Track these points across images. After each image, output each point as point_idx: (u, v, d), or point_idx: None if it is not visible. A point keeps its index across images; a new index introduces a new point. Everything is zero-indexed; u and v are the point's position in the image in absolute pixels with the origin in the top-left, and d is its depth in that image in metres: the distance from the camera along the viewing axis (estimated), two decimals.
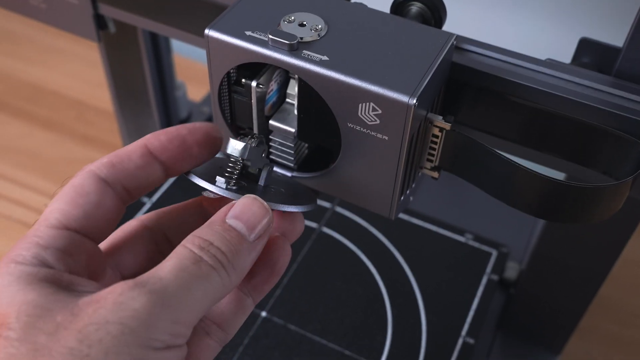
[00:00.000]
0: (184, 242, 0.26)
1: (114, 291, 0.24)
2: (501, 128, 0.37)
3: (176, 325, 0.24)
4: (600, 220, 0.34)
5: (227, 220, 0.27)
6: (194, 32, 0.44)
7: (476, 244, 0.55)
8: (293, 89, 0.35)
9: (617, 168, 0.34)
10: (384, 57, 0.31)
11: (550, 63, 0.36)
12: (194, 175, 0.30)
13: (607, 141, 0.34)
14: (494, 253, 0.55)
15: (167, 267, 0.25)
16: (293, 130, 0.35)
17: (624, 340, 0.62)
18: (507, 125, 0.36)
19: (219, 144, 0.31)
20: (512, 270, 0.56)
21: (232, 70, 0.34)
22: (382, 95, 0.30)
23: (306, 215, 0.56)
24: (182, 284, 0.24)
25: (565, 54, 0.40)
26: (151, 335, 0.23)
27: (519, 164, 0.32)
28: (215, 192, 0.30)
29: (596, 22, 0.61)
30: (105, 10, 0.46)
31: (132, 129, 0.61)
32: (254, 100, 0.34)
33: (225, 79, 0.34)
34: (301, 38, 0.31)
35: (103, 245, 0.30)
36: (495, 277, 0.53)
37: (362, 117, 0.31)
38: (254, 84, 0.34)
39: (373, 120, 0.31)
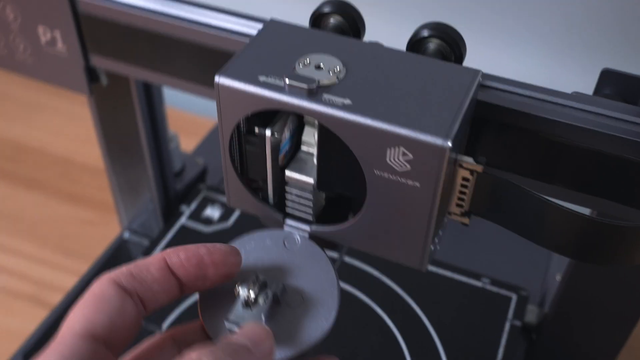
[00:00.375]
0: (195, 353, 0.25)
1: None
2: (530, 167, 0.34)
3: None
4: None
5: (232, 339, 0.27)
6: (192, 80, 0.42)
7: (494, 289, 0.52)
8: (309, 136, 0.33)
9: None
10: (410, 98, 0.29)
11: (578, 96, 0.34)
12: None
13: None
14: (514, 297, 0.52)
15: None
16: (311, 180, 0.32)
17: None
18: (536, 164, 0.34)
19: (237, 266, 0.30)
20: (531, 314, 0.53)
21: (245, 120, 0.32)
22: (414, 139, 0.27)
23: None
24: None
25: (583, 87, 0.38)
26: None
27: (560, 204, 0.29)
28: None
29: (614, 52, 0.60)
30: (97, 61, 0.43)
31: (124, 185, 0.58)
32: (268, 151, 0.32)
33: (240, 129, 0.32)
34: (319, 81, 0.29)
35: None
36: (517, 323, 0.50)
37: (390, 163, 0.29)
38: (268, 132, 0.31)
39: (403, 166, 0.29)
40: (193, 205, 0.58)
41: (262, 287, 0.30)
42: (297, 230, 0.34)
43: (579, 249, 0.31)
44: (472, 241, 0.60)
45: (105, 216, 0.72)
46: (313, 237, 0.34)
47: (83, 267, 0.62)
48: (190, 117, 0.82)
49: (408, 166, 0.28)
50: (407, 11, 0.64)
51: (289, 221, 0.34)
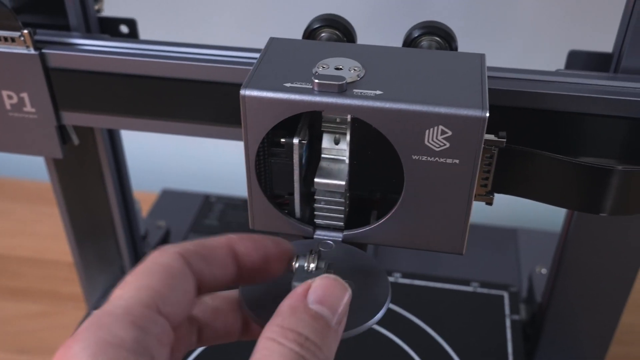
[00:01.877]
0: (275, 336, 0.24)
1: None
2: (534, 141, 0.36)
3: None
4: None
5: (311, 307, 0.25)
6: (166, 117, 0.41)
7: (485, 290, 0.54)
8: (329, 142, 0.33)
9: None
10: (434, 82, 0.30)
11: (562, 72, 0.37)
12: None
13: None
14: (506, 295, 0.53)
15: None
16: (343, 183, 0.33)
17: (634, 357, 0.62)
18: (539, 137, 0.36)
19: (289, 261, 0.29)
20: (522, 311, 0.54)
21: (267, 134, 0.31)
22: (453, 115, 0.29)
23: None
24: None
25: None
26: None
27: (582, 161, 0.31)
28: None
29: (574, 35, 0.65)
30: (70, 118, 0.41)
31: (91, 258, 0.55)
32: (296, 160, 0.32)
33: (261, 146, 0.32)
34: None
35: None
36: (516, 317, 0.51)
37: (429, 144, 0.30)
38: (296, 140, 0.31)
39: (442, 145, 0.29)
40: None
41: (319, 257, 0.29)
42: (329, 238, 0.34)
43: (600, 201, 0.33)
44: (441, 254, 0.61)
45: (57, 305, 0.67)
46: (345, 242, 0.34)
47: None
48: None
49: (447, 144, 0.29)
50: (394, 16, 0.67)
51: (319, 232, 0.34)
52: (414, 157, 0.30)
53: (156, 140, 0.77)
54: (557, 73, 0.37)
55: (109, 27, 0.44)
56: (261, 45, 0.34)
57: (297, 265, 0.29)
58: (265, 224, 0.34)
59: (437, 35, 0.35)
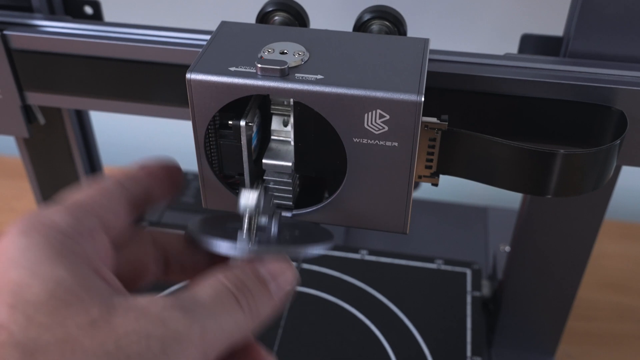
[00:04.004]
0: (220, 275, 0.26)
1: (156, 304, 0.23)
2: (480, 125, 0.37)
3: (203, 356, 0.23)
4: (599, 187, 0.35)
5: (261, 272, 0.28)
6: (132, 98, 0.41)
7: (449, 267, 0.55)
8: (278, 124, 0.34)
9: (600, 139, 0.36)
10: (375, 67, 0.31)
11: (510, 56, 0.38)
12: (209, 239, 0.29)
13: (586, 115, 0.35)
14: (468, 272, 0.55)
15: (206, 296, 0.25)
16: (290, 164, 0.34)
17: (593, 333, 0.63)
18: (486, 122, 0.37)
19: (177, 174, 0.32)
20: (485, 288, 0.56)
21: (216, 116, 0.32)
22: (389, 99, 0.30)
23: None
24: (218, 318, 0.24)
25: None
26: (187, 357, 0.23)
27: (523, 145, 0.32)
28: (237, 254, 0.29)
29: (527, 19, 0.66)
30: (34, 98, 0.42)
31: None
32: (243, 141, 0.33)
33: (210, 127, 0.33)
34: (289, 63, 0.31)
35: None
36: (477, 294, 0.53)
37: (368, 127, 0.31)
38: (242, 123, 0.32)
39: (381, 128, 0.30)
40: None
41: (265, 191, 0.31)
42: None
43: (538, 183, 0.34)
44: (413, 231, 0.63)
45: None
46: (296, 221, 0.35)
47: None
48: (107, 169, 0.80)
49: (386, 127, 0.30)
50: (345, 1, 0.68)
51: None
52: (354, 139, 0.31)
53: (135, 117, 0.78)
54: (505, 57, 0.37)
55: (73, 8, 0.45)
56: None
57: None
58: (216, 203, 0.35)
59: (386, 19, 0.36)
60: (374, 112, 0.30)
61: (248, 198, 0.29)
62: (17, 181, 0.80)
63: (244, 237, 0.29)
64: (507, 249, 0.56)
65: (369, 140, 0.31)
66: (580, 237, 0.47)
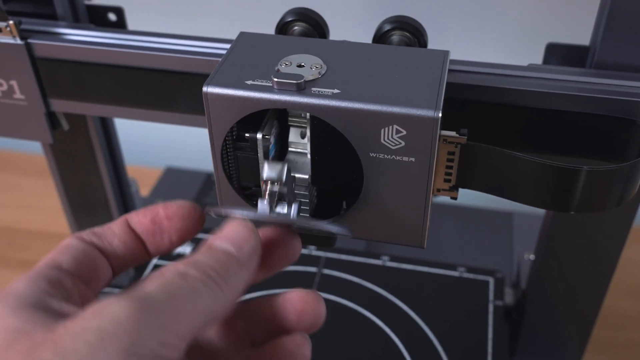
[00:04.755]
0: (170, 264, 0.26)
1: (94, 304, 0.22)
2: (502, 137, 0.37)
3: (165, 333, 0.22)
4: (622, 203, 0.34)
5: (213, 243, 0.27)
6: (155, 107, 0.42)
7: (471, 275, 0.54)
8: (295, 136, 0.34)
9: (625, 153, 0.35)
10: (393, 81, 0.31)
11: (534, 67, 0.37)
12: (230, 209, 0.29)
13: (610, 128, 0.35)
14: (491, 280, 0.54)
15: (151, 281, 0.24)
16: (306, 176, 0.33)
17: (619, 342, 0.62)
18: (507, 133, 0.37)
19: (198, 221, 0.30)
20: (508, 296, 0.55)
21: (233, 128, 0.32)
22: (406, 115, 0.29)
23: (296, 283, 0.53)
24: (168, 294, 0.23)
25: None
26: (136, 341, 0.21)
27: (543, 160, 0.32)
28: (259, 217, 0.28)
29: (553, 29, 0.65)
30: (58, 105, 0.43)
31: None
32: (260, 154, 0.33)
33: (228, 139, 0.33)
34: (305, 77, 0.31)
35: None
36: (500, 303, 0.52)
37: (385, 143, 0.30)
38: (259, 135, 0.32)
39: (397, 143, 0.30)
40: None
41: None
42: None
43: (559, 199, 0.33)
44: (438, 238, 0.62)
45: None
46: (310, 234, 0.35)
47: None
48: (134, 168, 0.81)
49: (402, 142, 0.30)
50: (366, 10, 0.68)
51: None
52: (371, 154, 0.31)
53: None
54: (528, 68, 0.37)
55: (97, 15, 0.45)
56: None
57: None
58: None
59: (406, 30, 0.35)
60: (390, 127, 0.30)
61: (272, 167, 0.29)
62: (46, 180, 0.81)
63: (265, 204, 0.29)
64: (532, 257, 0.56)
65: (385, 155, 0.31)
66: (607, 246, 0.45)
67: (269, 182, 0.29)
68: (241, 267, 0.27)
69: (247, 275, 0.27)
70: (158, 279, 0.24)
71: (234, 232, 0.27)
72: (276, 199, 0.29)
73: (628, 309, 0.65)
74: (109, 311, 0.22)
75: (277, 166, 0.29)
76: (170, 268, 0.25)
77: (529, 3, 0.67)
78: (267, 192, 0.29)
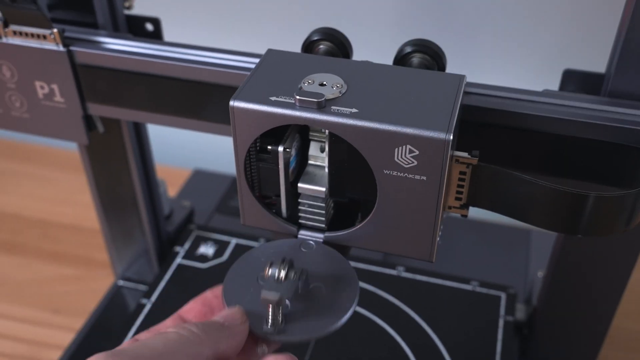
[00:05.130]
0: None
1: None
2: (514, 160, 0.38)
3: None
4: (624, 230, 0.35)
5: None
6: (187, 115, 0.44)
7: (484, 290, 0.56)
8: (315, 150, 0.36)
9: (634, 180, 0.36)
10: (409, 102, 0.32)
11: (548, 92, 0.38)
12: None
13: (619, 155, 0.36)
14: (503, 296, 0.55)
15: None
16: (323, 189, 0.35)
17: None
18: (519, 156, 0.38)
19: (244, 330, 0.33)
20: (520, 312, 0.56)
21: (257, 140, 0.34)
22: (419, 136, 0.31)
23: None
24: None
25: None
26: None
27: (548, 184, 0.33)
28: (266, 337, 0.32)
29: (571, 55, 0.66)
30: (95, 109, 0.45)
31: (117, 233, 0.59)
32: (281, 166, 0.35)
33: (252, 150, 0.35)
34: (326, 96, 0.32)
35: None
36: (510, 319, 0.53)
37: (398, 161, 0.32)
38: (280, 148, 0.34)
39: (410, 162, 0.32)
40: (186, 245, 0.60)
41: (290, 267, 0.33)
42: (311, 238, 0.37)
43: (567, 223, 0.34)
44: (455, 251, 0.63)
45: (91, 271, 0.72)
46: (326, 243, 0.37)
47: (75, 322, 0.63)
48: (164, 168, 0.84)
49: (415, 162, 0.32)
50: (389, 32, 0.70)
51: (302, 232, 0.37)
52: (385, 171, 0.32)
53: None
54: (543, 93, 0.38)
55: (136, 25, 0.48)
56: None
57: (269, 273, 0.32)
58: (254, 220, 0.37)
59: (426, 53, 0.37)
60: (404, 147, 0.31)
61: (268, 297, 0.31)
62: (82, 175, 0.84)
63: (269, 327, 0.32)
64: (541, 274, 0.57)
65: (398, 173, 0.32)
66: (617, 267, 0.46)
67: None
68: (222, 330, 0.31)
69: (228, 339, 0.31)
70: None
71: (228, 313, 0.33)
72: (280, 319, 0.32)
73: (637, 331, 0.66)
74: None
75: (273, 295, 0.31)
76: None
77: (549, 30, 0.68)
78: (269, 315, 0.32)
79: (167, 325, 0.34)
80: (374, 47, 0.50)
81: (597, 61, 0.43)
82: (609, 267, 0.47)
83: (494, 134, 0.37)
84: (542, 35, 0.68)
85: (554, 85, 0.42)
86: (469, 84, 0.38)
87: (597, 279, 0.48)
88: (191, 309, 0.35)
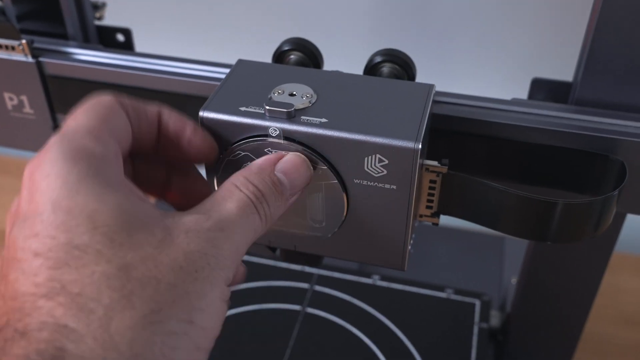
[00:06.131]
0: (239, 184, 0.29)
1: (201, 225, 0.26)
2: (481, 167, 0.39)
3: (235, 263, 0.27)
4: (593, 236, 0.35)
5: (276, 173, 0.31)
6: None
7: (458, 297, 0.56)
8: None
9: (601, 186, 0.37)
10: (378, 112, 0.33)
11: (516, 101, 0.39)
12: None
13: (587, 162, 0.36)
14: (477, 303, 0.55)
15: (233, 212, 0.28)
16: None
17: None
18: (486, 164, 0.38)
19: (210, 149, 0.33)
20: (495, 318, 0.57)
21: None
22: (388, 145, 0.31)
23: (288, 298, 0.55)
24: (245, 232, 0.28)
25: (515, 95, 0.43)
26: (228, 275, 0.26)
27: (517, 192, 0.33)
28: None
29: (540, 64, 0.67)
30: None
31: None
32: None
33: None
34: (295, 106, 0.32)
35: None
36: (484, 325, 0.54)
37: (368, 170, 0.32)
38: None
39: (380, 171, 0.32)
40: None
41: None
42: None
43: (537, 230, 0.35)
44: (429, 259, 0.64)
45: None
46: (297, 252, 0.37)
47: None
48: None
49: (384, 171, 0.32)
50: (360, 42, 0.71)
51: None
52: (355, 180, 0.33)
53: None
54: (511, 102, 0.38)
55: (106, 35, 0.47)
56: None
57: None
58: None
59: (396, 62, 0.37)
60: (373, 156, 0.31)
61: None
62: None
63: None
64: (515, 281, 0.57)
65: (368, 182, 0.32)
66: (588, 272, 0.47)
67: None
68: (285, 207, 0.31)
69: (286, 208, 0.31)
70: (239, 213, 0.28)
71: (296, 172, 0.31)
72: None
73: (615, 335, 0.66)
74: (220, 245, 0.26)
75: None
76: (246, 200, 0.28)
77: (519, 39, 0.69)
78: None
79: (147, 108, 0.31)
80: (345, 57, 0.51)
81: (566, 70, 0.44)
82: (581, 272, 0.47)
83: (464, 142, 0.38)
84: (511, 45, 0.69)
85: (523, 94, 0.43)
86: (439, 93, 0.38)
87: (569, 284, 0.48)
88: (171, 126, 0.31)
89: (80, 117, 0.28)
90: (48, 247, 0.24)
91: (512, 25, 0.68)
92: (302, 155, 0.32)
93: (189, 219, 0.26)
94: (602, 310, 0.68)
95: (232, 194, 0.28)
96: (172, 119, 0.31)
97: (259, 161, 0.31)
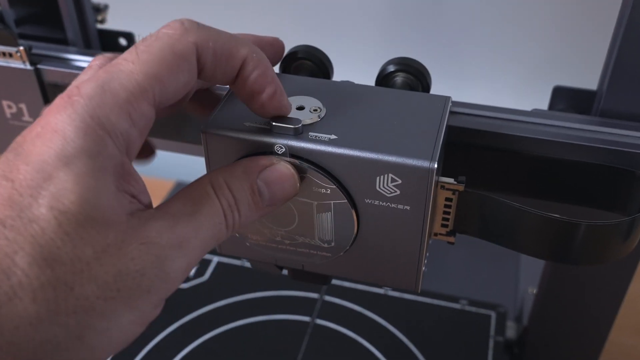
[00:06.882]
0: (217, 187, 0.27)
1: (160, 237, 0.25)
2: (503, 183, 0.37)
3: (174, 287, 0.26)
4: (618, 258, 0.33)
5: (258, 181, 0.29)
6: (163, 136, 0.42)
7: (473, 309, 0.54)
8: None
9: (627, 205, 0.35)
10: (391, 127, 0.31)
11: (537, 112, 0.37)
12: None
13: (611, 178, 0.34)
14: (493, 315, 0.54)
15: (200, 224, 0.26)
16: None
17: None
18: (508, 179, 0.36)
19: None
20: (511, 330, 0.55)
21: None
22: (401, 164, 0.29)
23: (297, 309, 0.53)
24: (207, 243, 0.27)
25: (539, 105, 0.41)
26: (160, 296, 0.25)
27: (536, 211, 0.31)
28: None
29: (561, 71, 0.65)
30: None
31: None
32: None
33: None
34: (303, 121, 0.31)
35: None
36: (500, 339, 0.52)
37: (380, 190, 0.30)
38: None
39: (393, 191, 0.30)
40: None
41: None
42: None
43: (558, 252, 0.33)
44: (443, 268, 0.62)
45: None
46: (307, 272, 0.35)
47: None
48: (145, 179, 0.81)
49: (397, 191, 0.30)
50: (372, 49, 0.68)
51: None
52: (366, 200, 0.31)
53: None
54: (532, 113, 0.36)
55: (108, 40, 0.46)
56: None
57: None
58: (229, 250, 0.36)
59: (410, 72, 0.35)
60: (385, 175, 0.30)
61: None
62: None
63: None
64: (534, 291, 0.55)
65: (380, 202, 0.31)
66: (612, 285, 0.45)
67: None
68: (261, 212, 0.29)
69: (260, 216, 0.29)
70: (208, 224, 0.26)
71: (279, 185, 0.29)
72: None
73: (635, 346, 0.64)
74: (167, 268, 0.25)
75: None
76: (217, 208, 0.27)
77: (538, 45, 0.66)
78: None
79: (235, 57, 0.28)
80: (356, 65, 0.49)
81: (588, 77, 0.41)
82: (604, 283, 0.45)
83: (481, 155, 0.36)
84: (531, 50, 0.66)
85: (544, 102, 0.41)
86: (455, 103, 0.36)
87: (591, 296, 0.46)
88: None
89: (140, 65, 0.25)
90: (3, 188, 0.23)
91: (531, 29, 0.65)
92: (292, 169, 0.30)
93: (153, 227, 0.25)
94: (620, 320, 0.65)
95: (205, 201, 0.27)
96: (255, 74, 0.28)
97: (245, 163, 0.29)
